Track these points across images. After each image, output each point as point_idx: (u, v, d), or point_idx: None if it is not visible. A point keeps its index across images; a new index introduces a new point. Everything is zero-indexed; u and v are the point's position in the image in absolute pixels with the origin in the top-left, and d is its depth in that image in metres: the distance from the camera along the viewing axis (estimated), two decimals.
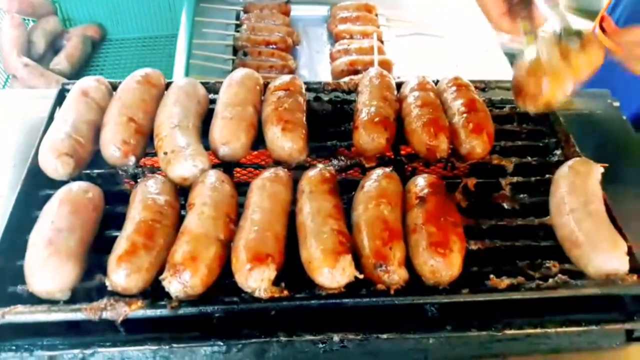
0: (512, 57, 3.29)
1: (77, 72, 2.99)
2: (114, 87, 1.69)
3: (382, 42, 3.00)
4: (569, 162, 1.53)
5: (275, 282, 1.24)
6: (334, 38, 3.06)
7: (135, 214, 1.31)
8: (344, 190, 1.50)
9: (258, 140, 1.63)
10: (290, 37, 3.01)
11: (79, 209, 1.33)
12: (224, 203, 1.37)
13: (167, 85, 1.71)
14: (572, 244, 1.37)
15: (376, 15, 3.21)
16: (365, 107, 1.64)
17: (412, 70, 2.75)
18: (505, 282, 1.30)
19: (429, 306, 1.30)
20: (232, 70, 2.72)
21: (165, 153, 1.46)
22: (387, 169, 1.49)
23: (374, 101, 1.64)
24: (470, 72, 2.87)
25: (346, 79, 2.62)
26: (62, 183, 1.45)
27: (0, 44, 2.82)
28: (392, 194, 1.41)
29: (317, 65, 3.03)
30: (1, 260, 1.29)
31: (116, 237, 1.32)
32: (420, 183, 1.43)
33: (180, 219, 1.38)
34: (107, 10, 3.26)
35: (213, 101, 1.72)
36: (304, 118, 1.64)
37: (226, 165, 1.57)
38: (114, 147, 1.49)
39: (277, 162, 1.59)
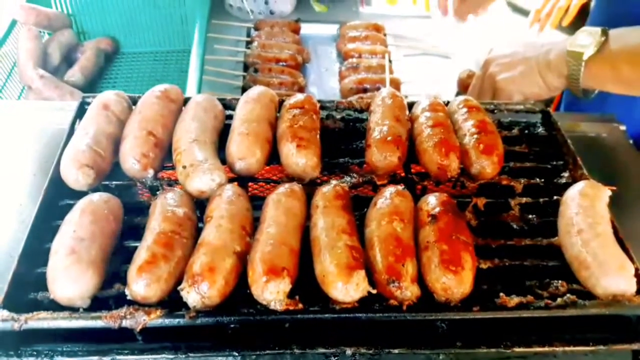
0: None
1: (91, 84, 3.04)
2: (133, 101, 1.74)
3: (390, 61, 3.05)
4: (578, 185, 1.56)
5: (290, 295, 1.27)
6: (343, 56, 3.12)
7: (155, 225, 1.34)
8: (356, 207, 1.53)
9: (272, 156, 1.67)
10: (300, 55, 3.07)
11: (100, 219, 1.37)
12: (240, 216, 1.40)
13: (185, 100, 1.76)
14: (580, 265, 1.40)
15: (385, 35, 3.28)
16: (378, 126, 1.68)
17: (420, 90, 2.81)
18: (515, 300, 1.32)
19: (439, 322, 1.33)
20: (242, 86, 2.80)
21: (184, 167, 1.50)
22: (400, 187, 1.52)
23: (387, 120, 1.69)
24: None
25: (355, 96, 2.70)
26: (82, 194, 1.48)
27: (17, 56, 2.87)
28: (404, 211, 1.44)
29: (326, 82, 3.09)
30: (24, 267, 1.32)
31: (133, 247, 1.35)
32: (432, 201, 1.47)
33: (197, 231, 1.41)
34: (121, 24, 3.32)
35: (229, 117, 1.77)
36: (318, 135, 1.68)
37: (241, 179, 1.61)
38: (133, 160, 1.53)
39: (291, 178, 1.63)
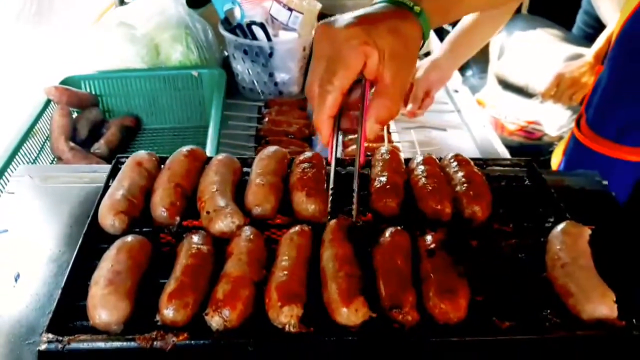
0: (510, 148, 3.60)
1: (115, 155, 3.28)
2: (162, 160, 1.97)
3: (389, 132, 3.33)
4: (561, 225, 1.73)
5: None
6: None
7: (183, 260, 1.52)
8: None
9: (282, 204, 1.86)
10: (306, 129, 3.35)
11: (134, 256, 1.54)
12: (257, 252, 1.58)
13: (207, 159, 1.99)
14: (566, 294, 1.54)
15: None
16: (378, 177, 1.90)
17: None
18: (507, 324, 1.46)
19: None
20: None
21: (208, 212, 1.70)
22: (398, 227, 1.70)
23: (385, 172, 1.91)
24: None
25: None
26: (115, 237, 1.67)
27: (50, 131, 3.17)
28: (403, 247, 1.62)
29: None
30: (65, 300, 1.48)
31: (158, 283, 1.51)
32: (429, 239, 1.65)
33: (217, 266, 1.58)
34: (144, 105, 3.64)
35: (245, 173, 1.99)
36: (325, 186, 1.89)
37: (257, 224, 1.79)
38: (163, 209, 1.74)
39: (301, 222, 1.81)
